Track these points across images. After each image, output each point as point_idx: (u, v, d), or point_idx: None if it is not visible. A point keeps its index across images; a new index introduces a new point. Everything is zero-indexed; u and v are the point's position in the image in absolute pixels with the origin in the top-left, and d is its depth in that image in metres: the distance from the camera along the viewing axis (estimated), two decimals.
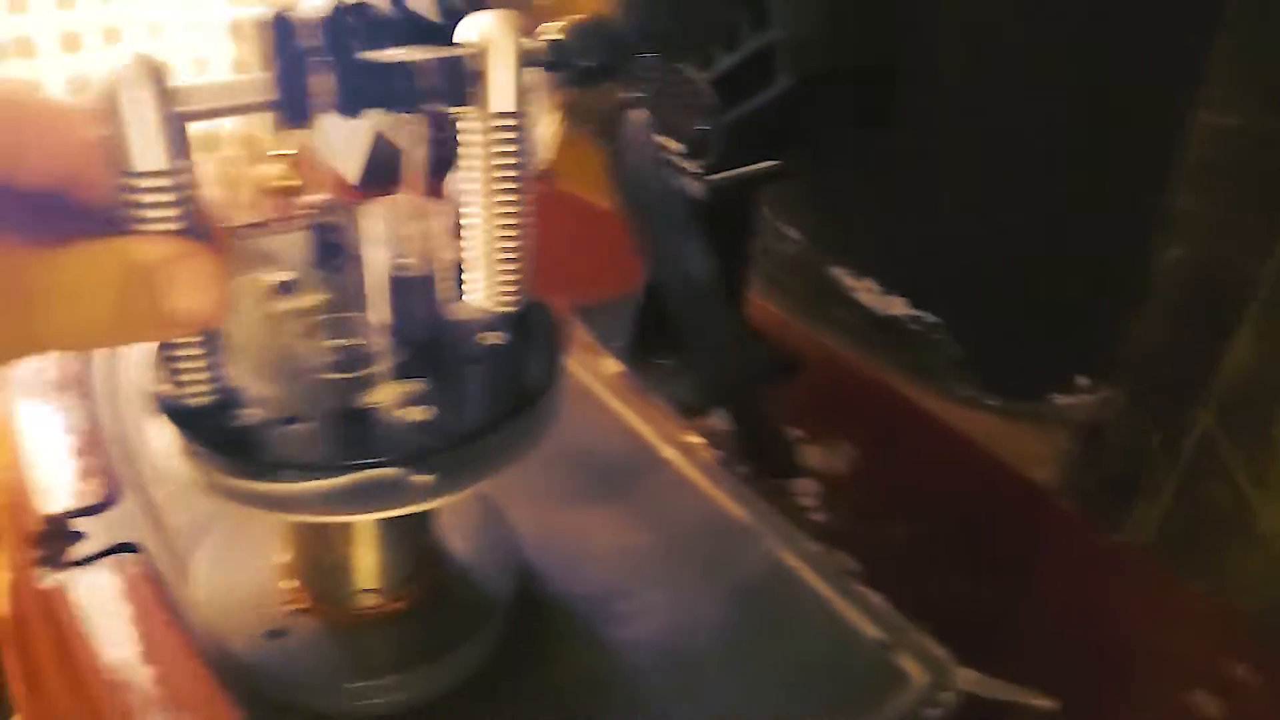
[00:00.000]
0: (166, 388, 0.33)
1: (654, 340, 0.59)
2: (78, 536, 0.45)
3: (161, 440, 0.34)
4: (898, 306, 0.63)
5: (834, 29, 0.46)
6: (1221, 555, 0.77)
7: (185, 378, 0.33)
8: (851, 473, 0.53)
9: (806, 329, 0.65)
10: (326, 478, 0.33)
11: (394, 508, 0.34)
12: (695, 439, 0.54)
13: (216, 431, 0.33)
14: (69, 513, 0.46)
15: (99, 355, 0.56)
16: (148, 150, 0.28)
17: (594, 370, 0.59)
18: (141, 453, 0.49)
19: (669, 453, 0.53)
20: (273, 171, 0.34)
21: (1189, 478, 0.77)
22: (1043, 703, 0.39)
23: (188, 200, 0.29)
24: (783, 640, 0.43)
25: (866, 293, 0.64)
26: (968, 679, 0.40)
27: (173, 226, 0.28)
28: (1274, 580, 0.73)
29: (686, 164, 0.47)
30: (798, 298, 0.68)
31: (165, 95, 0.27)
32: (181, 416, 0.33)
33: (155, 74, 0.27)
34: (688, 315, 0.53)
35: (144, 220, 0.28)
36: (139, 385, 0.52)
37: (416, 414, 0.34)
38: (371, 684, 0.38)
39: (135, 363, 0.54)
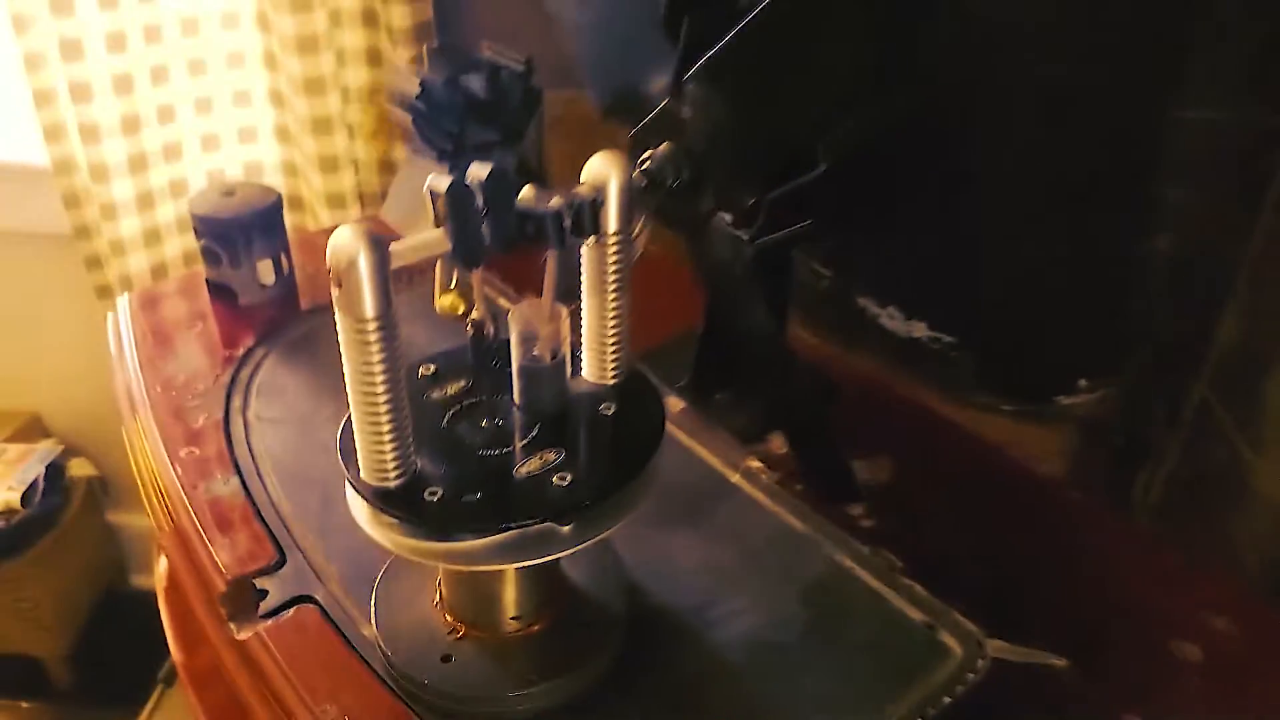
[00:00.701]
0: (366, 476, 0.43)
1: (712, 378, 0.68)
2: (261, 593, 0.54)
3: (340, 513, 0.44)
4: (919, 329, 0.72)
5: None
6: (1222, 513, 0.86)
7: (383, 467, 0.42)
8: (892, 482, 0.62)
9: (840, 355, 0.74)
10: (493, 535, 0.42)
11: (543, 556, 0.43)
12: (755, 463, 0.63)
13: (412, 508, 0.42)
14: (249, 574, 0.55)
15: (238, 430, 0.66)
16: (374, 300, 0.37)
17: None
18: (294, 515, 0.59)
19: (735, 478, 0.63)
20: (448, 301, 0.43)
21: (1190, 443, 0.86)
22: (1057, 661, 0.49)
23: (395, 335, 0.38)
24: (846, 629, 0.52)
25: (890, 319, 0.73)
26: (997, 647, 0.50)
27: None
28: (1271, 536, 0.83)
29: (742, 232, 0.57)
30: (832, 328, 0.77)
31: (383, 259, 0.37)
32: (379, 497, 0.42)
33: (375, 244, 0.37)
34: (747, 352, 0.62)
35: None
36: (275, 459, 0.61)
37: (558, 479, 0.43)
38: (525, 692, 0.47)
39: (270, 440, 0.64)
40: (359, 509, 0.44)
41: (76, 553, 1.49)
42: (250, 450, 0.64)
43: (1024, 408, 0.70)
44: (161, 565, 0.71)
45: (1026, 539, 0.59)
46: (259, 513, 0.59)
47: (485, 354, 0.46)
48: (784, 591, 0.55)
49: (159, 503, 0.63)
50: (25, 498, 1.39)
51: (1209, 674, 0.49)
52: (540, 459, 0.44)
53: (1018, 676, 0.49)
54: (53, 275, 1.43)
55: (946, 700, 0.48)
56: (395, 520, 0.43)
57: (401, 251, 0.38)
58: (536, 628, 0.50)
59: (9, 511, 1.38)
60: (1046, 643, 0.50)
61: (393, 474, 0.42)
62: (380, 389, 0.40)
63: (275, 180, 1.22)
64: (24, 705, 1.48)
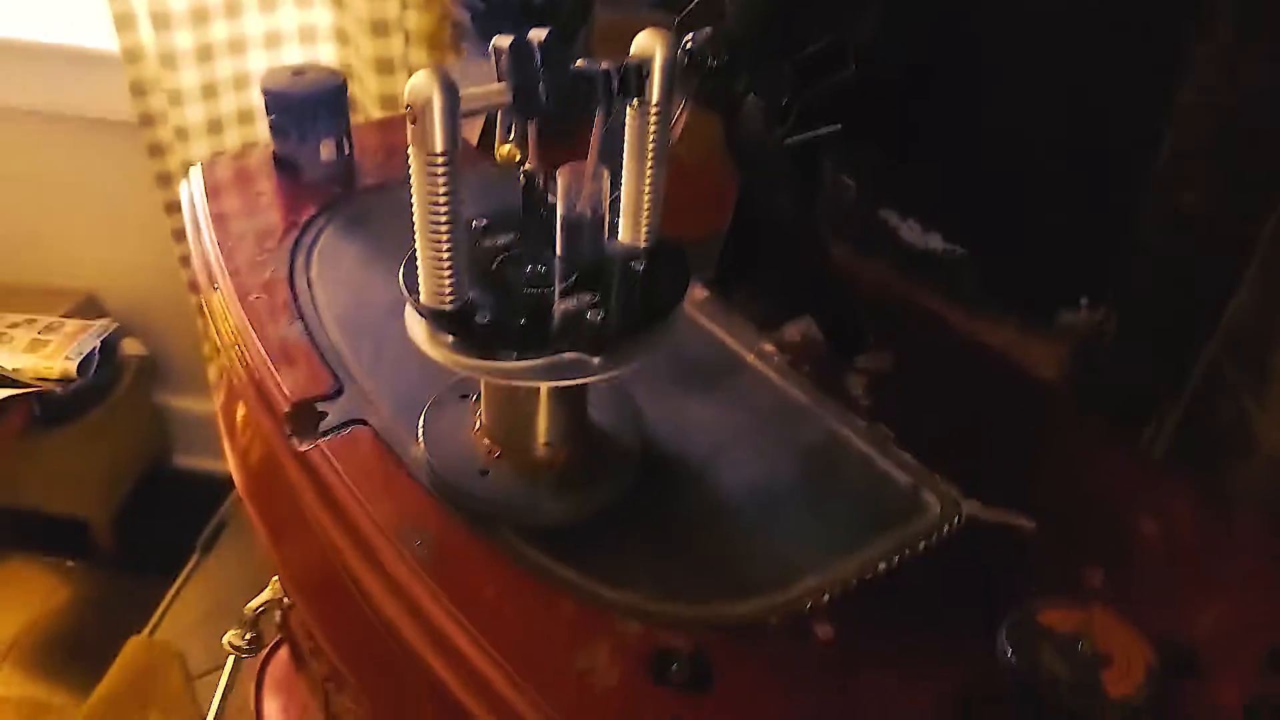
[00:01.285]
0: (426, 299, 0.49)
1: (736, 270, 0.74)
2: (321, 415, 0.61)
3: (417, 338, 0.51)
4: (935, 241, 0.78)
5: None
6: (1227, 462, 0.91)
7: (442, 291, 0.48)
8: (892, 371, 0.68)
9: (861, 262, 0.80)
10: (531, 358, 0.49)
11: (573, 379, 0.50)
12: (769, 347, 0.69)
13: (466, 328, 0.49)
14: (311, 398, 0.62)
15: (301, 285, 0.72)
16: (443, 136, 0.43)
17: (688, 297, 0.74)
18: (350, 356, 0.66)
19: (750, 358, 0.69)
20: (506, 150, 0.49)
21: (1199, 396, 0.91)
22: (1024, 523, 0.55)
23: (458, 170, 0.44)
24: (836, 485, 0.59)
25: (909, 230, 0.79)
26: (972, 506, 0.56)
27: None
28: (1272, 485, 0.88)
29: (778, 129, 0.63)
30: (855, 236, 0.83)
31: (454, 99, 0.43)
32: (437, 317, 0.49)
33: (448, 86, 0.43)
34: (773, 245, 0.68)
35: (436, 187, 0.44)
36: (334, 311, 0.68)
37: (591, 315, 0.50)
38: (550, 505, 0.54)
39: (329, 296, 0.70)
40: (417, 330, 0.51)
41: (125, 426, 1.58)
42: (313, 301, 0.71)
43: (1027, 321, 0.76)
44: (238, 414, 0.78)
45: (1011, 428, 0.65)
46: (320, 351, 0.66)
47: (534, 204, 0.52)
48: (784, 452, 0.61)
49: (233, 340, 0.70)
50: (81, 369, 1.47)
51: (1166, 547, 0.55)
52: (577, 300, 0.50)
53: (989, 534, 0.56)
54: (115, 161, 1.50)
55: (923, 545, 0.55)
56: (449, 338, 0.49)
57: (470, 96, 0.44)
58: (563, 455, 0.56)
59: (66, 379, 1.46)
60: (1022, 509, 0.57)
61: (449, 297, 0.49)
62: (443, 216, 0.46)
63: None
64: (69, 564, 1.57)
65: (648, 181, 0.53)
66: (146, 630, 1.44)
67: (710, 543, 0.55)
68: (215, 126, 1.28)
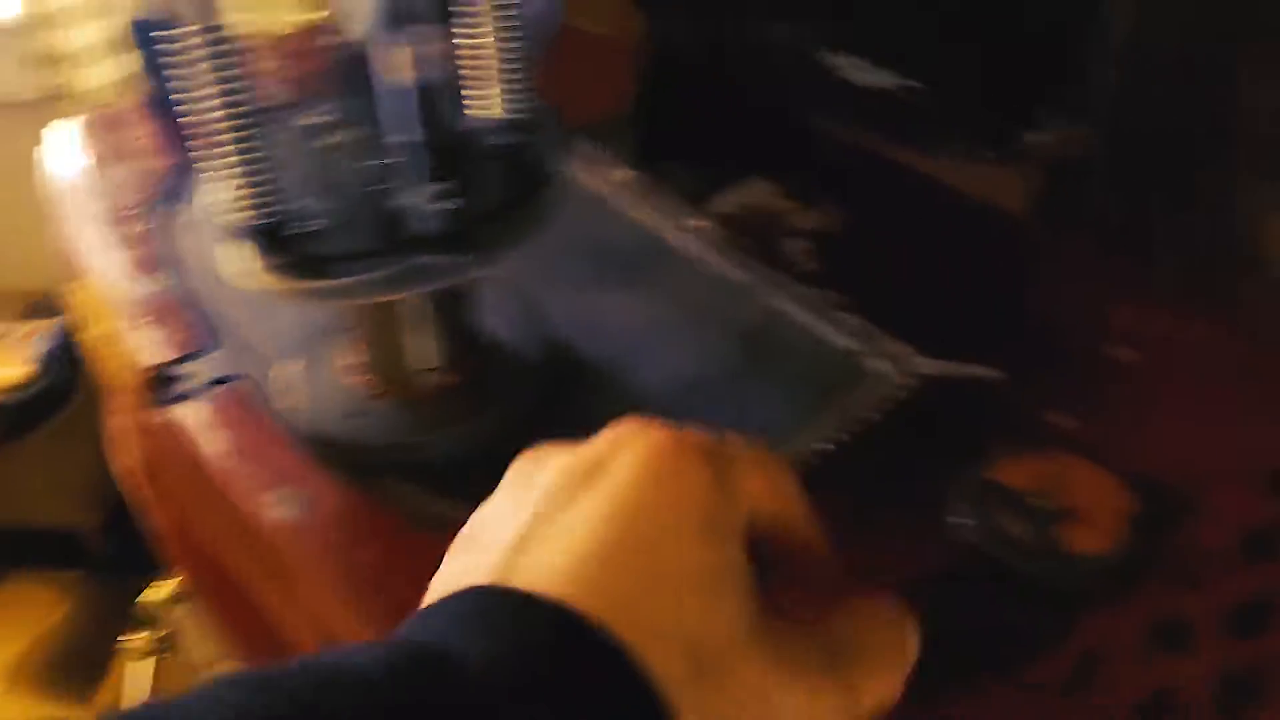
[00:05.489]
0: (237, 215, 0.41)
1: (656, 142, 0.65)
2: (186, 377, 0.53)
3: (240, 267, 0.42)
4: (887, 80, 0.68)
5: None
6: (1230, 281, 0.82)
7: (252, 202, 0.40)
8: (840, 229, 0.59)
9: (807, 111, 0.70)
10: (377, 268, 0.40)
11: (432, 284, 0.41)
12: (700, 223, 0.60)
13: (286, 242, 0.40)
14: (175, 359, 0.54)
15: (170, 236, 0.64)
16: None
17: (607, 179, 0.65)
18: (221, 308, 0.58)
19: (678, 238, 0.60)
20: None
21: (1203, 217, 0.82)
22: (989, 373, 0.47)
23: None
24: (778, 363, 0.51)
25: (857, 70, 0.69)
26: (927, 365, 0.48)
27: None
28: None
29: None
30: (798, 84, 0.73)
31: None
32: (255, 234, 0.40)
33: None
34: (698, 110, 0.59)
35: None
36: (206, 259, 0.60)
37: (440, 206, 0.41)
38: (432, 437, 0.46)
39: (201, 242, 0.62)
40: (240, 257, 0.43)
41: (100, 428, 1.52)
42: (182, 252, 0.63)
43: (989, 149, 0.66)
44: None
45: (975, 273, 0.56)
46: (192, 304, 0.58)
47: (353, 77, 0.43)
48: (716, 336, 0.53)
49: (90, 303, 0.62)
50: (41, 371, 1.40)
51: (1144, 375, 0.47)
52: (423, 190, 0.42)
53: (952, 394, 0.47)
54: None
55: (876, 417, 0.46)
56: (276, 260, 0.41)
57: None
58: (451, 380, 0.48)
59: (28, 384, 1.40)
60: (984, 361, 0.48)
61: (265, 208, 0.40)
62: (230, 107, 0.38)
63: None
64: (64, 576, 1.52)
65: (503, 37, 0.44)
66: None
67: None
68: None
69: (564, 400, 0.49)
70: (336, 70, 0.43)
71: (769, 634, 0.26)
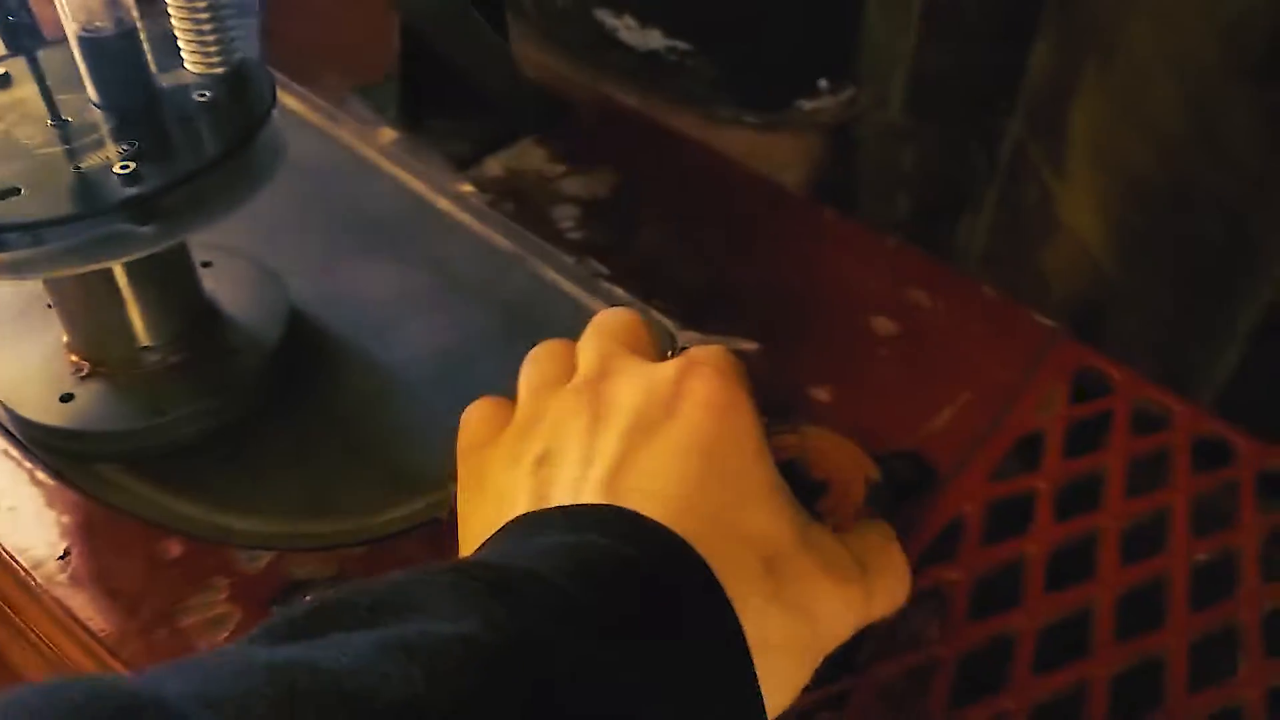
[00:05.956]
0: None
1: (424, 103, 0.62)
2: None
3: None
4: (656, 39, 0.66)
5: None
6: (1036, 250, 0.84)
7: None
8: (609, 196, 0.57)
9: (583, 78, 0.68)
10: (53, 240, 0.37)
11: (118, 258, 0.38)
12: (467, 188, 0.58)
13: None
14: None
15: None
16: None
17: (372, 142, 0.62)
18: None
19: (443, 204, 0.57)
20: None
21: (1007, 183, 0.83)
22: (746, 345, 0.46)
23: None
24: (541, 336, 0.48)
25: (627, 30, 0.67)
26: (687, 338, 0.46)
27: None
28: (1075, 266, 0.81)
29: None
30: (573, 47, 0.71)
31: None
32: None
33: None
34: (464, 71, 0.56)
35: None
36: None
37: (121, 168, 0.37)
38: (155, 423, 0.42)
39: None
40: None
41: None
42: None
43: (765, 117, 0.66)
44: None
45: (740, 241, 0.55)
46: None
47: (14, 29, 0.38)
48: (478, 308, 0.51)
49: None
50: None
51: (903, 345, 0.47)
52: (108, 151, 0.38)
53: None
54: None
55: None
56: None
57: None
58: (176, 359, 0.45)
59: None
60: (742, 332, 0.47)
61: None
62: None
63: None
64: None
65: None
66: None
67: (372, 439, 0.44)
68: None
69: (306, 381, 0.46)
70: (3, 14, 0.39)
71: (816, 539, 0.31)
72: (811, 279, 0.50)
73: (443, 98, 0.61)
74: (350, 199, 0.57)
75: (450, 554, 0.36)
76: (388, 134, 0.62)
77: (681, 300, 0.49)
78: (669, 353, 0.46)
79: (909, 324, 0.47)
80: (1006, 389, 0.44)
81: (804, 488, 0.39)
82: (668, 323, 0.48)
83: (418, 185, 0.58)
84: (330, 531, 0.40)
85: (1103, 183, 0.77)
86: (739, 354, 0.45)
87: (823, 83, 0.62)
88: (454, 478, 0.37)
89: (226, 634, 0.36)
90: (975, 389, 0.45)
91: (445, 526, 0.39)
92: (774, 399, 0.43)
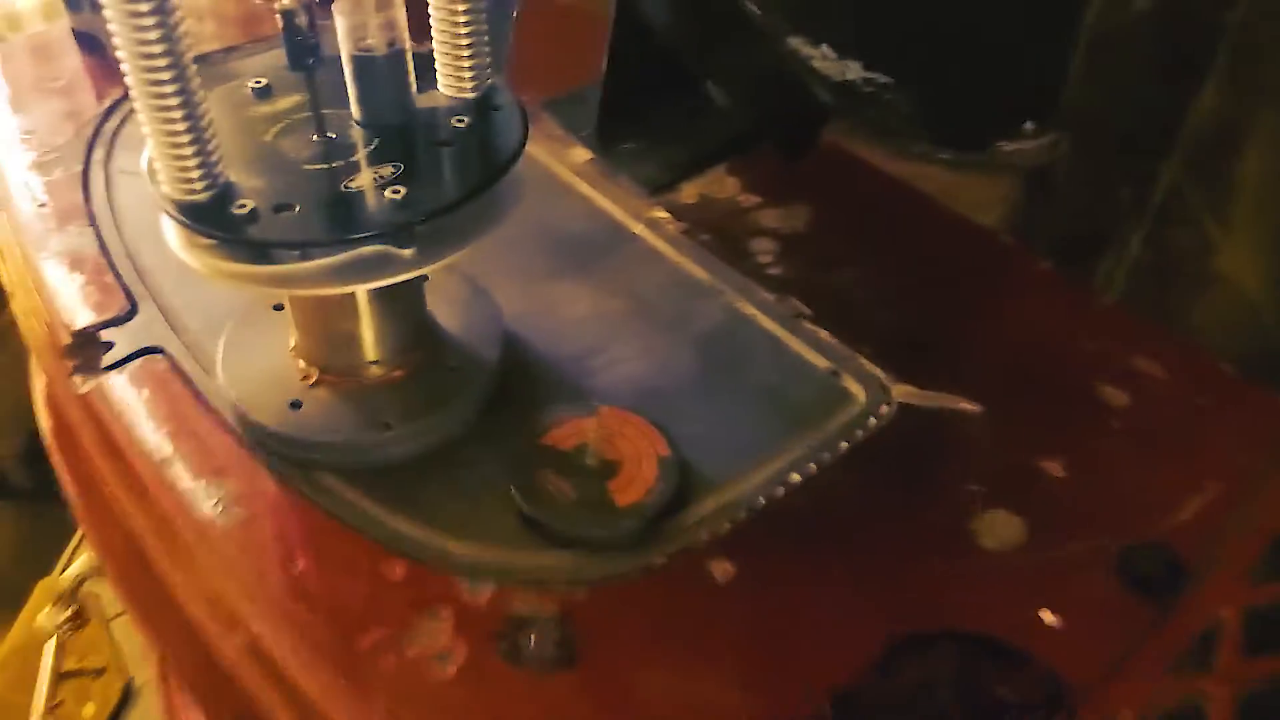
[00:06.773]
0: (168, 189, 0.37)
1: (620, 125, 0.62)
2: (107, 345, 0.49)
3: (171, 242, 0.39)
4: (853, 70, 0.65)
5: None
6: (1187, 298, 0.82)
7: (184, 176, 0.36)
8: (806, 230, 0.57)
9: (771, 102, 0.68)
10: (318, 256, 0.37)
11: (380, 279, 0.38)
12: (661, 214, 0.58)
13: (218, 221, 0.37)
14: (95, 325, 0.50)
15: (97, 184, 0.60)
16: None
17: (564, 160, 0.62)
18: (152, 267, 0.54)
19: (637, 229, 0.57)
20: None
21: (1157, 226, 0.81)
22: (969, 406, 0.45)
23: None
24: (742, 375, 0.48)
25: (823, 60, 0.66)
26: (903, 392, 0.46)
27: None
28: (1235, 319, 0.79)
29: None
30: (763, 73, 0.70)
31: None
32: (185, 211, 0.37)
33: None
34: (662, 93, 0.56)
35: None
36: (135, 212, 0.56)
37: (390, 193, 0.38)
38: (379, 436, 0.43)
39: (131, 194, 0.58)
40: (172, 232, 0.39)
41: (9, 351, 1.45)
42: (110, 203, 0.59)
43: (963, 156, 0.65)
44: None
45: (949, 287, 0.54)
46: (112, 264, 0.54)
47: (301, 49, 0.39)
48: (677, 339, 0.50)
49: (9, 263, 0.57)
50: None
51: (1135, 418, 0.45)
52: (374, 173, 0.39)
53: (926, 422, 0.45)
54: None
55: (844, 445, 0.44)
56: (208, 238, 0.37)
57: None
58: (399, 374, 0.45)
59: None
60: (961, 389, 0.46)
61: (198, 182, 0.37)
62: (164, 73, 0.34)
63: None
64: None
65: (463, 13, 0.41)
66: (57, 570, 1.34)
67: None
68: None
69: (515, 405, 0.46)
70: (281, 36, 0.40)
71: None
72: (1030, 336, 0.49)
73: (640, 121, 0.61)
74: (546, 218, 0.57)
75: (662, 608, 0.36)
76: (581, 153, 0.62)
77: (891, 349, 0.48)
78: (881, 406, 0.46)
79: (1139, 394, 0.46)
80: (1251, 475, 0.43)
81: (595, 469, 0.41)
82: (880, 374, 0.47)
83: (612, 208, 0.59)
84: (550, 565, 0.40)
85: (1271, 236, 0.74)
86: (961, 416, 0.45)
87: (1028, 125, 0.61)
88: None
89: (454, 669, 0.36)
90: (1220, 475, 0.43)
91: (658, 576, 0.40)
92: (998, 468, 0.43)
